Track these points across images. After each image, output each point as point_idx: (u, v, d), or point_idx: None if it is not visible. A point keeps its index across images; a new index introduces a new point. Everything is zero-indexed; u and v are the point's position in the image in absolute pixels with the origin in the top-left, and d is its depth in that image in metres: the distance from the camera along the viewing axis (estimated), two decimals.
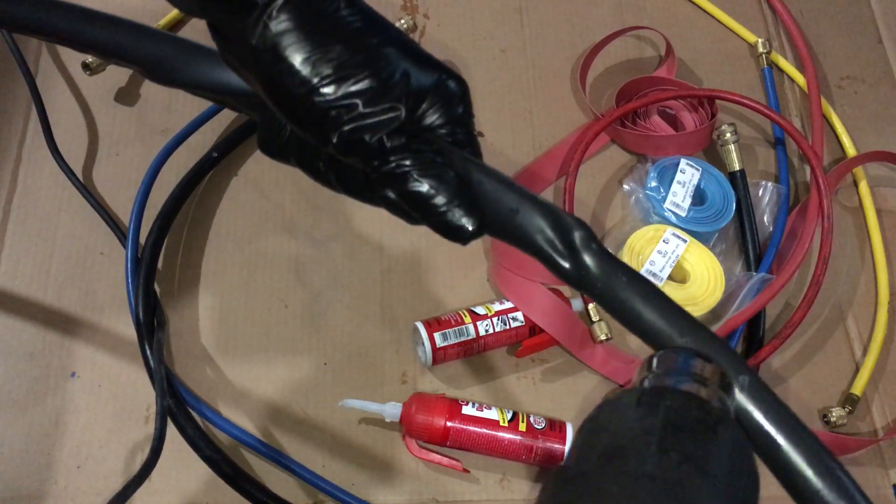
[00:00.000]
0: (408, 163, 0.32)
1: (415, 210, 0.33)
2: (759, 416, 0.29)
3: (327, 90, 0.30)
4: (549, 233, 0.33)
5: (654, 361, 0.31)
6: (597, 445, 0.26)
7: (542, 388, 0.65)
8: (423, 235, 0.70)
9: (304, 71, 0.30)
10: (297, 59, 0.30)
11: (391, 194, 0.33)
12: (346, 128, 0.31)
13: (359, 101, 0.31)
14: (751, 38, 0.83)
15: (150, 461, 0.55)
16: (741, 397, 0.29)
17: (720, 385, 0.29)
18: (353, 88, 0.31)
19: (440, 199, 0.32)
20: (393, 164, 0.32)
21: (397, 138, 0.32)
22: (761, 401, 0.29)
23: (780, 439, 0.28)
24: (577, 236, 0.33)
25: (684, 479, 0.24)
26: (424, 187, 0.32)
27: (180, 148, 0.70)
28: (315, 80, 0.30)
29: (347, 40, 0.31)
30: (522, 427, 0.60)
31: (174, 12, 0.76)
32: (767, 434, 0.29)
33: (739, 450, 0.26)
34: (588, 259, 0.32)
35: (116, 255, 0.66)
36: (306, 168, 0.36)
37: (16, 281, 0.65)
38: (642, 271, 0.66)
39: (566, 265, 0.33)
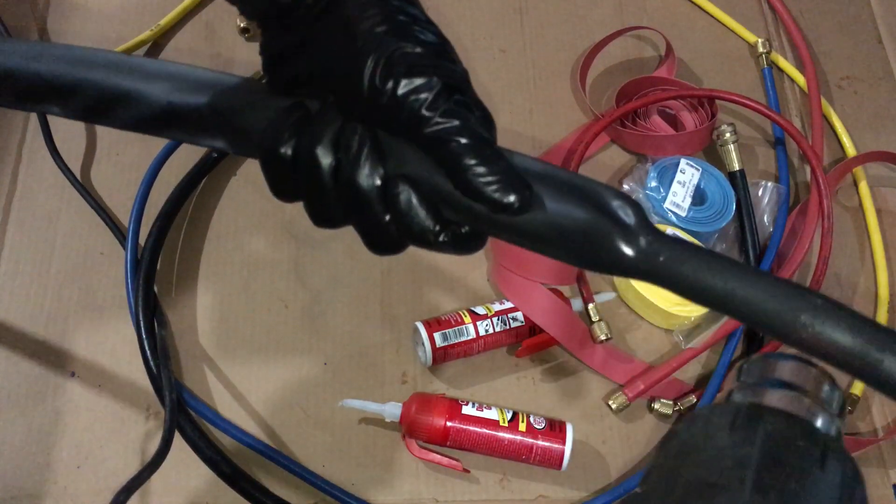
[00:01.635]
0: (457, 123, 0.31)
1: (456, 176, 0.31)
2: (844, 338, 0.25)
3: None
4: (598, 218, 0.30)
5: (747, 369, 0.27)
6: (681, 474, 0.23)
7: (542, 388, 0.65)
8: None
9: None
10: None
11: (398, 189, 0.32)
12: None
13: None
14: (751, 38, 0.83)
15: (163, 448, 0.54)
16: (817, 325, 0.25)
17: (826, 398, 0.25)
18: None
19: (486, 169, 0.31)
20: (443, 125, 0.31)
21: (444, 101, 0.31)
22: (841, 321, 0.25)
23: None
24: (633, 213, 0.30)
25: None
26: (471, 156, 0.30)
27: (180, 148, 0.69)
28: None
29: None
30: (522, 427, 0.60)
31: (171, 15, 0.76)
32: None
33: (850, 484, 0.22)
34: (651, 240, 0.29)
35: (116, 255, 0.66)
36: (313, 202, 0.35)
37: (16, 281, 0.65)
38: None
39: (629, 252, 0.30)
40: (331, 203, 0.33)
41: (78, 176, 0.69)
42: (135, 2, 0.78)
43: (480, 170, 0.30)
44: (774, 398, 0.25)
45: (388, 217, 0.32)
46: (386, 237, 0.34)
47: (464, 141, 0.30)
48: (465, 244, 0.33)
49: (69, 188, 0.68)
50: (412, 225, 0.32)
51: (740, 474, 0.21)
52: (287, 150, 0.32)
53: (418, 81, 0.31)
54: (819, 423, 0.24)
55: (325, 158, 0.32)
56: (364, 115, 0.32)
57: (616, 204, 0.30)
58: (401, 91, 0.30)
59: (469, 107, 0.32)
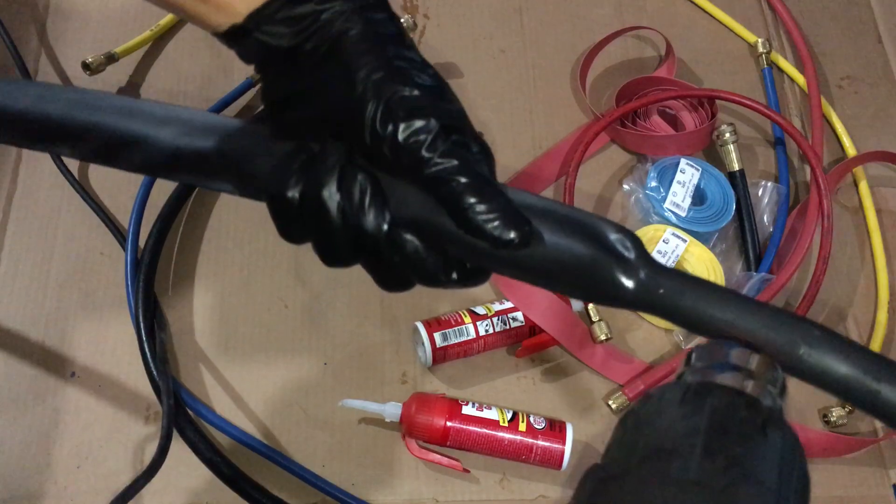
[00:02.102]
0: (455, 163, 0.32)
1: (457, 215, 0.32)
2: (842, 368, 0.27)
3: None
4: (594, 252, 0.31)
5: (697, 354, 0.29)
6: (638, 444, 0.25)
7: (542, 388, 0.65)
8: None
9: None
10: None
11: (408, 236, 0.33)
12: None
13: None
14: (751, 38, 0.83)
15: (157, 458, 0.55)
16: (815, 355, 0.27)
17: (769, 379, 0.27)
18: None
19: (485, 206, 0.31)
20: (441, 166, 0.32)
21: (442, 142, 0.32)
22: (839, 352, 0.27)
23: (875, 384, 0.26)
24: (632, 246, 0.31)
25: (731, 485, 0.22)
26: (470, 194, 0.31)
27: None
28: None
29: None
30: (522, 427, 0.60)
31: (171, 15, 0.76)
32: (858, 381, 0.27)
33: (790, 452, 0.25)
34: (649, 272, 0.30)
35: (116, 256, 0.66)
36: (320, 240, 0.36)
37: (16, 281, 0.65)
38: None
39: (630, 284, 0.31)
40: (339, 245, 0.34)
41: (77, 176, 0.69)
42: (135, 2, 0.78)
43: (480, 208, 0.31)
44: (721, 377, 0.27)
45: (397, 259, 0.33)
46: (396, 278, 0.35)
47: (463, 180, 0.31)
48: (471, 280, 0.35)
49: (69, 188, 0.68)
50: (421, 269, 0.33)
51: (691, 441, 0.23)
52: (294, 194, 0.33)
53: (417, 124, 0.31)
54: (762, 398, 0.26)
55: (332, 202, 0.33)
56: (367, 157, 0.33)
57: (615, 237, 0.31)
58: (401, 135, 0.31)
59: (467, 145, 0.33)
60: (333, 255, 0.35)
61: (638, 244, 0.31)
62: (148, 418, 0.61)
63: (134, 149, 0.36)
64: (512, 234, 0.31)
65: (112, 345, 0.63)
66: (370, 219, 0.32)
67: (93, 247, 0.67)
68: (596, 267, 0.31)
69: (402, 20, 0.73)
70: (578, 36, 0.82)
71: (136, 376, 0.62)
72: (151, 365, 0.60)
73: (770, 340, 0.28)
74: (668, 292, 0.30)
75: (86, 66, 0.72)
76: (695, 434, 0.24)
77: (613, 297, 0.31)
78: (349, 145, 0.34)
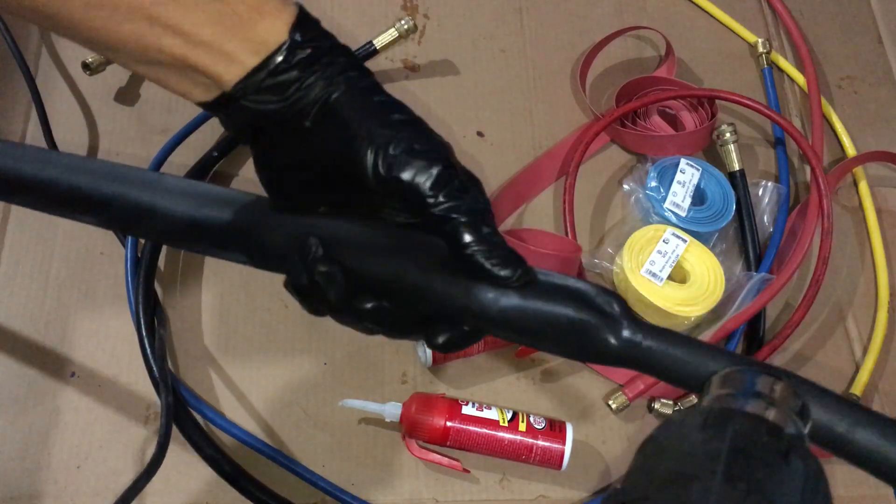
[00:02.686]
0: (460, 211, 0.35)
1: (459, 251, 0.34)
2: (841, 427, 0.28)
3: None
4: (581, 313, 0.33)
5: (720, 381, 0.29)
6: (658, 469, 0.24)
7: (542, 388, 0.65)
8: None
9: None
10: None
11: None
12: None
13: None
14: (751, 38, 0.83)
15: (157, 456, 0.55)
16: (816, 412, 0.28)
17: (792, 407, 0.27)
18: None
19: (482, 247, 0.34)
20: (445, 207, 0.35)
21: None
22: (834, 412, 0.28)
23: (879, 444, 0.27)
24: (617, 307, 0.33)
25: None
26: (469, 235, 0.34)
27: (180, 148, 0.70)
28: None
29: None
30: (522, 427, 0.60)
31: None
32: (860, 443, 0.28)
33: (814, 480, 0.24)
34: (633, 330, 0.32)
35: (116, 255, 0.66)
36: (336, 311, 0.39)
37: (16, 281, 0.65)
38: (642, 271, 0.66)
39: (614, 342, 0.33)
40: (350, 320, 0.38)
41: None
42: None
43: (481, 247, 0.34)
44: (743, 404, 0.27)
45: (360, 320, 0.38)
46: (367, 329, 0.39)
47: (464, 219, 0.34)
48: (467, 343, 0.37)
49: None
50: (425, 341, 0.38)
51: (711, 466, 0.23)
52: (303, 281, 0.38)
53: (418, 164, 0.34)
54: (783, 424, 0.26)
55: (333, 294, 0.37)
56: (368, 204, 0.37)
57: (602, 299, 0.33)
58: (406, 178, 0.34)
59: (462, 181, 0.35)
60: (347, 325, 0.39)
61: (622, 303, 0.33)
62: (148, 418, 0.61)
63: (152, 219, 0.40)
64: (508, 272, 0.34)
65: (112, 345, 0.63)
66: (332, 296, 0.37)
67: (93, 246, 0.67)
68: (585, 327, 0.33)
69: (402, 21, 0.74)
70: (578, 36, 0.82)
71: (136, 376, 0.62)
72: (151, 361, 0.60)
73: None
74: (652, 348, 0.32)
75: (86, 66, 0.72)
76: (716, 459, 0.23)
77: (601, 355, 0.33)
78: (346, 196, 0.37)
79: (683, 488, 0.23)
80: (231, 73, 0.36)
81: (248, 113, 0.36)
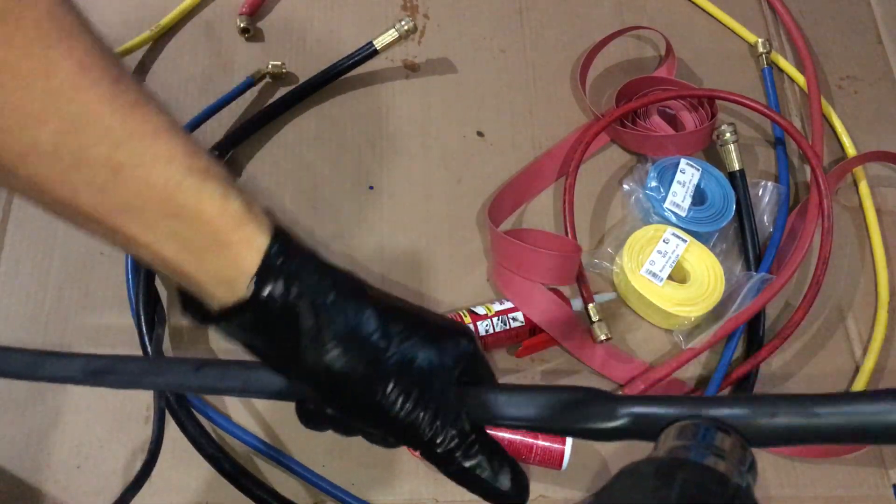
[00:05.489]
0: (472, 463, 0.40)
1: (470, 487, 0.40)
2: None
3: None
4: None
5: (674, 432, 0.30)
6: None
7: None
8: (423, 235, 0.70)
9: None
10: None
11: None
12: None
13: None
14: (751, 38, 0.83)
15: (148, 463, 0.55)
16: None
17: (739, 459, 0.29)
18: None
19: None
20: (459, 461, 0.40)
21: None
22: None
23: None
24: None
25: None
26: (486, 473, 0.39)
27: None
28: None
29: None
30: None
31: (171, 15, 0.76)
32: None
33: None
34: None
35: (116, 255, 0.66)
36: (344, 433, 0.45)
37: (16, 281, 0.65)
38: (642, 271, 0.66)
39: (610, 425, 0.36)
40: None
41: None
42: (135, 2, 0.78)
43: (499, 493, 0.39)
44: (693, 455, 0.28)
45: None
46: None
47: (485, 475, 0.39)
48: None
49: None
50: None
51: None
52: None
53: (442, 422, 0.39)
54: (731, 476, 0.27)
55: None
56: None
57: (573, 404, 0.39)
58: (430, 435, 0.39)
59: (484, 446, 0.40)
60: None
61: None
62: (148, 418, 0.61)
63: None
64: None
65: (112, 344, 0.63)
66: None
67: (93, 247, 0.67)
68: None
69: (402, 21, 0.74)
70: (578, 36, 0.82)
71: None
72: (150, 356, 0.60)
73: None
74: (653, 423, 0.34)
75: None
76: None
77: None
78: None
79: None
80: (210, 300, 0.34)
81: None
